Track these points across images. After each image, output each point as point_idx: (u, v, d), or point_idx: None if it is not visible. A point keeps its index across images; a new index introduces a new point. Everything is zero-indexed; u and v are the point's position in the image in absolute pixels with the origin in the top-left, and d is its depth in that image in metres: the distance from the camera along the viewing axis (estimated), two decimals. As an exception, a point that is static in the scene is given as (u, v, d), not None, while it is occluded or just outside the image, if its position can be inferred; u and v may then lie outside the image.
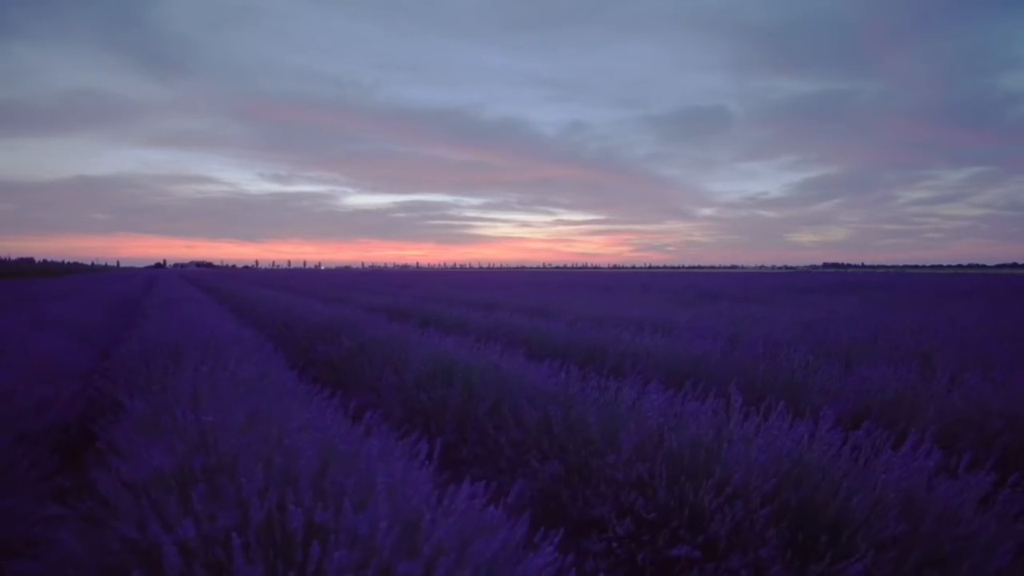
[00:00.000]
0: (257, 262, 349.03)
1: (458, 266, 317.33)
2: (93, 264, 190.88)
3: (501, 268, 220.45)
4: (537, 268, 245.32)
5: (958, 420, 3.66)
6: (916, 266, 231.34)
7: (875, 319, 8.81)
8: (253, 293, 19.61)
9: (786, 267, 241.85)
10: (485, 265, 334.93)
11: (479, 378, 4.89)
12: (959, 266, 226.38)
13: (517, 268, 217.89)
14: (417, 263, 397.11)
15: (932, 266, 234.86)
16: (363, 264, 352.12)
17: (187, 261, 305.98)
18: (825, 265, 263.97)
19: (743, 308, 11.83)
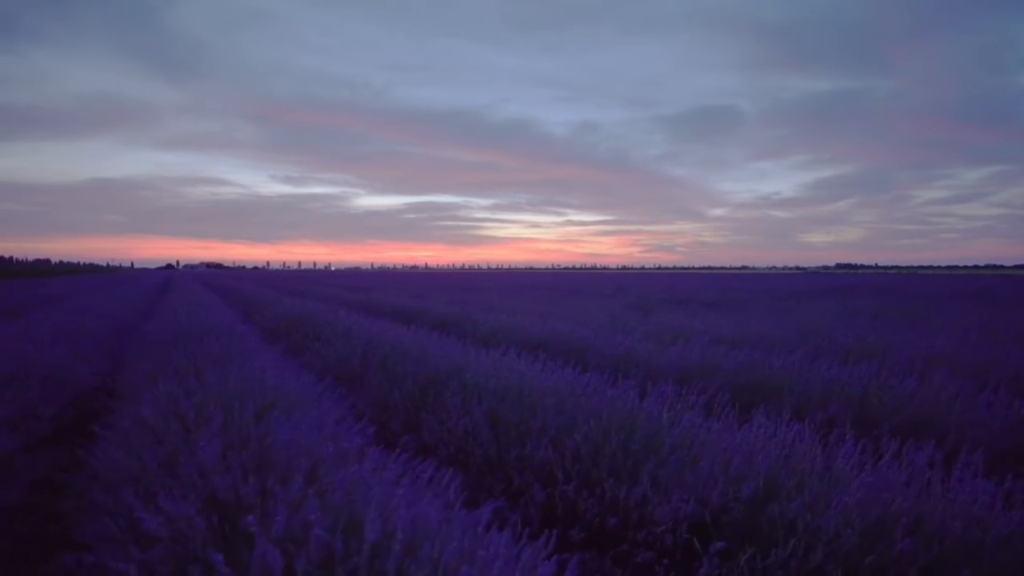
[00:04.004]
0: (268, 263, 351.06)
1: (466, 267, 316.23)
2: (108, 265, 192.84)
3: (508, 269, 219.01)
4: (545, 269, 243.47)
5: (844, 553, 2.02)
6: (931, 266, 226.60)
7: (834, 335, 7.13)
8: (191, 302, 18.15)
9: (798, 268, 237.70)
10: (494, 266, 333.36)
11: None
12: (975, 266, 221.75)
13: (525, 269, 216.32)
14: (426, 264, 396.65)
15: (948, 266, 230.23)
16: (372, 265, 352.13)
17: (198, 262, 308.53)
18: (838, 266, 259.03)
19: (695, 317, 10.16)
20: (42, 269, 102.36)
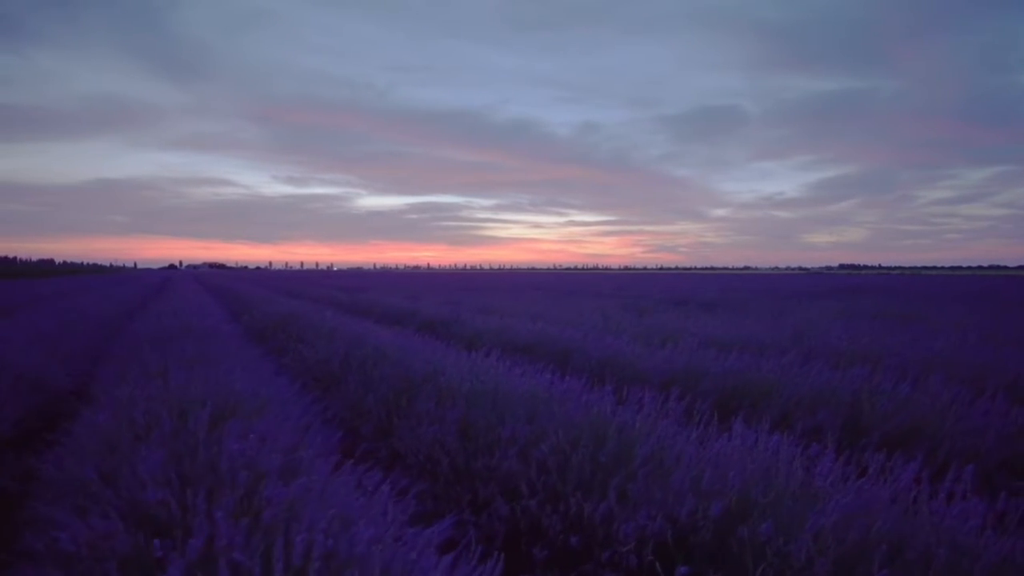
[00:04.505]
0: (271, 263, 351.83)
1: (468, 268, 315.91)
2: (111, 265, 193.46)
3: (510, 270, 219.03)
4: (547, 269, 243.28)
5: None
6: (935, 267, 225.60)
7: (829, 338, 6.92)
8: (183, 302, 17.99)
9: (801, 268, 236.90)
10: (496, 267, 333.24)
11: None
12: (979, 267, 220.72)
13: (527, 270, 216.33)
14: (428, 264, 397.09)
15: (951, 267, 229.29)
16: (375, 266, 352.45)
17: (200, 262, 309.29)
18: (841, 266, 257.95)
19: (690, 318, 9.96)
20: (45, 269, 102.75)
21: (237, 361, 5.90)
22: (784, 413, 4.18)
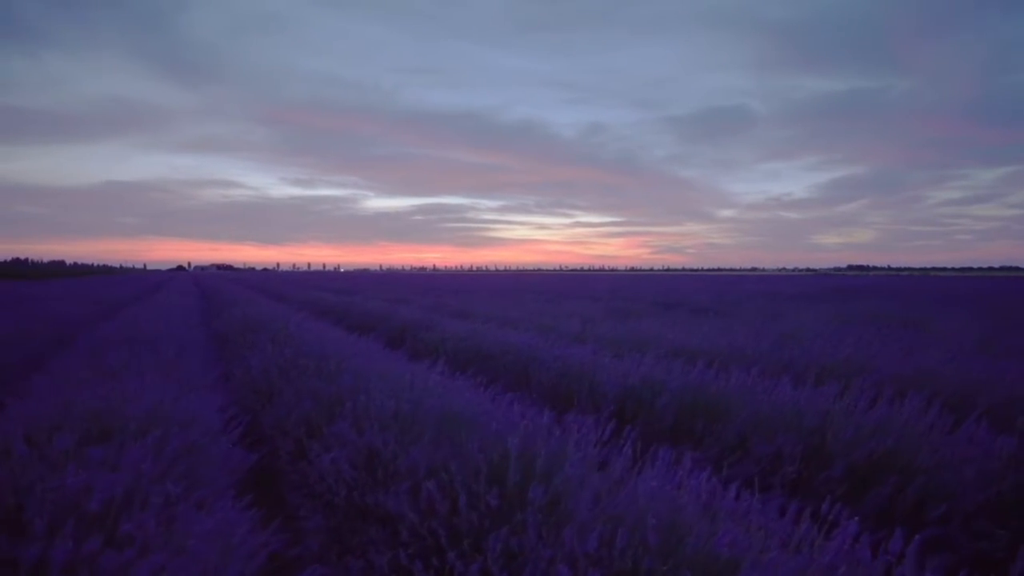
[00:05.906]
0: (278, 265, 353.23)
1: (474, 269, 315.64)
2: (121, 267, 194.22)
3: (515, 271, 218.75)
4: (552, 271, 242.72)
5: None
6: (945, 268, 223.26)
7: (812, 347, 6.40)
8: (165, 304, 17.62)
9: (809, 269, 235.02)
10: (501, 268, 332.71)
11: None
12: (990, 268, 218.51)
13: (532, 271, 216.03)
14: (434, 266, 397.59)
15: (962, 268, 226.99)
16: (381, 267, 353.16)
17: (208, 264, 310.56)
18: (849, 267, 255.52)
19: (676, 323, 9.45)
20: (55, 271, 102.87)
21: (164, 370, 5.48)
22: (742, 436, 3.70)
